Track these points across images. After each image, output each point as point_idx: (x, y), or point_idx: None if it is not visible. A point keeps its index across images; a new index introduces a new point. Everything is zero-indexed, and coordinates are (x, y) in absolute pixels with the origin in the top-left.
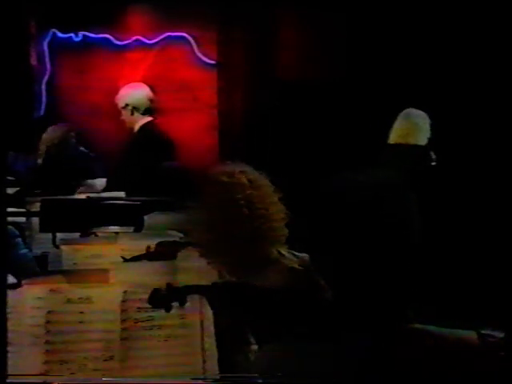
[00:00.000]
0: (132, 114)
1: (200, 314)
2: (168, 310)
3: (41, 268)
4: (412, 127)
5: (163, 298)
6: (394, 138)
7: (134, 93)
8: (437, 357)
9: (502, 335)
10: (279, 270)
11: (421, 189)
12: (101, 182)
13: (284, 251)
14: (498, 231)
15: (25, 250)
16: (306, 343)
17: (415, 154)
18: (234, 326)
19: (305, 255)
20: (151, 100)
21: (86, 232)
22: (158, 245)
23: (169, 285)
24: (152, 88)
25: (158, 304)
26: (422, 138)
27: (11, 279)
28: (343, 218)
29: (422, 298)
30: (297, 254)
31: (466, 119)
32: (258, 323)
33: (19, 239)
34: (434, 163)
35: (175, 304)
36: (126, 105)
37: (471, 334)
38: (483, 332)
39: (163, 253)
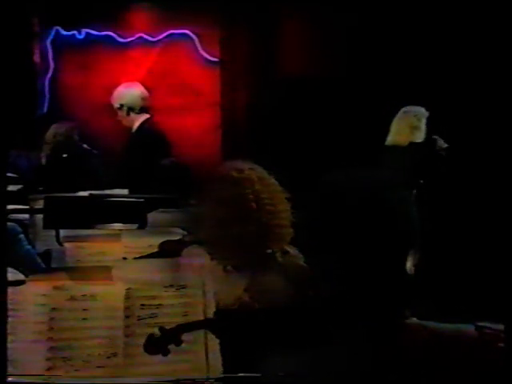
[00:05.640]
0: (128, 114)
1: (204, 312)
2: (165, 354)
3: (44, 265)
4: (405, 127)
5: (158, 342)
6: (389, 139)
7: (128, 92)
8: (434, 350)
9: (499, 327)
10: (285, 266)
11: (422, 185)
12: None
13: (290, 249)
14: (495, 226)
15: (28, 247)
16: (309, 348)
17: (412, 153)
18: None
19: None
20: (145, 98)
21: (92, 228)
22: (163, 243)
23: (161, 328)
24: (145, 86)
25: (154, 350)
26: (418, 135)
27: (19, 276)
28: (342, 217)
29: (420, 294)
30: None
31: (469, 117)
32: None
33: (22, 235)
34: (443, 152)
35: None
36: (121, 105)
37: (469, 328)
38: (481, 324)
39: (168, 251)
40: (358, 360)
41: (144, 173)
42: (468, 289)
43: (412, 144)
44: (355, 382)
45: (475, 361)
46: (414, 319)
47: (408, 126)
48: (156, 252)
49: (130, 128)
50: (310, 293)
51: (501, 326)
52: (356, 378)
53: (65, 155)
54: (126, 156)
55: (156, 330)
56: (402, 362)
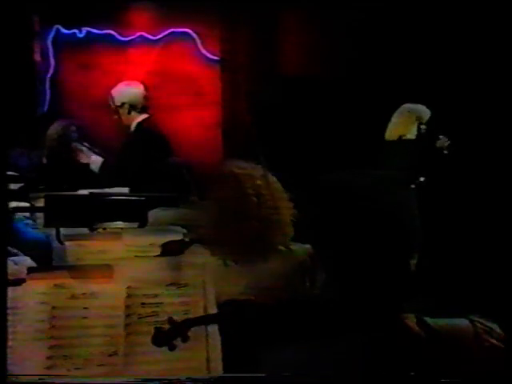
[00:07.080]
0: (129, 112)
1: (204, 311)
2: (171, 348)
3: (45, 264)
4: (397, 123)
5: (165, 336)
6: (386, 135)
7: (130, 91)
8: (431, 345)
9: (491, 324)
10: (286, 261)
11: (421, 183)
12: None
13: (291, 244)
14: (492, 224)
15: (33, 230)
16: (309, 344)
17: (404, 149)
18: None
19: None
20: (146, 97)
21: (92, 228)
22: (166, 244)
23: (170, 319)
24: (146, 85)
25: (161, 343)
26: (410, 130)
27: (29, 262)
28: (342, 217)
29: (419, 290)
30: (304, 245)
31: (472, 114)
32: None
33: (23, 223)
34: (445, 149)
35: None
36: (123, 103)
37: (464, 322)
38: (474, 318)
39: (171, 251)
40: (356, 355)
41: (143, 172)
42: (467, 285)
43: (403, 140)
44: (354, 376)
45: (471, 355)
46: (412, 315)
47: (401, 122)
48: (159, 254)
49: (128, 127)
50: (309, 289)
51: (493, 324)
52: (355, 372)
53: (64, 154)
54: (124, 155)
55: (165, 323)
56: (399, 357)
